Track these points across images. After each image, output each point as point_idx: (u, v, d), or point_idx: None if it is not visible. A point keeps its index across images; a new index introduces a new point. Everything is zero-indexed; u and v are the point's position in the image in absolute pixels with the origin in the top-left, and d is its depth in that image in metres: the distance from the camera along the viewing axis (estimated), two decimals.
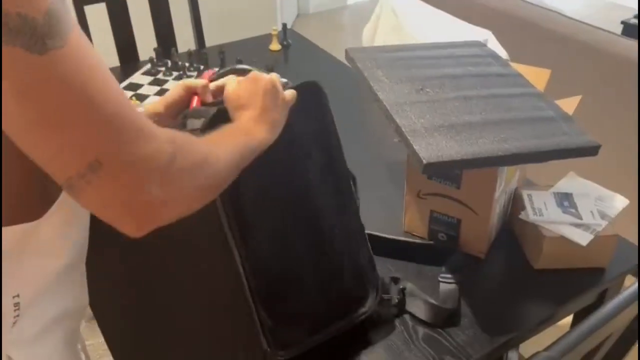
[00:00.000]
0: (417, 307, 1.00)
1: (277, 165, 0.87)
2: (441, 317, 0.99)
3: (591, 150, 0.97)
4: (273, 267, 0.86)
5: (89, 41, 0.57)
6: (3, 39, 0.49)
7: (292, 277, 0.88)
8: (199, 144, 0.69)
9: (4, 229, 0.71)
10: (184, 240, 0.83)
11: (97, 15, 1.88)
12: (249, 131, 0.81)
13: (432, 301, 0.99)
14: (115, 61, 1.91)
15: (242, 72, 1.00)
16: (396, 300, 1.00)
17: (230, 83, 0.89)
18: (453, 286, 1.04)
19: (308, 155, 0.93)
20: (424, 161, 0.90)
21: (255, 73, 0.89)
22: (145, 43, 1.94)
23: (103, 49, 1.94)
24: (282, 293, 0.87)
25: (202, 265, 0.87)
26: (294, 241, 0.89)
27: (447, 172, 1.06)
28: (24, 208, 0.71)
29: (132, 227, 0.59)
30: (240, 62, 1.70)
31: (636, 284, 0.82)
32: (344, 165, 0.99)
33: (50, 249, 0.78)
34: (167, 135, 0.61)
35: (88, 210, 0.61)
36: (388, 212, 1.24)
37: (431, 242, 1.17)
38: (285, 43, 1.97)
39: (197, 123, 0.86)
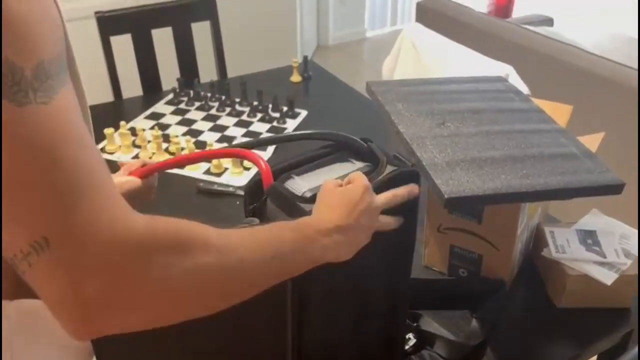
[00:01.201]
0: (437, 344, 0.98)
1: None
2: (461, 353, 0.97)
3: (616, 189, 0.96)
4: (316, 351, 0.83)
5: (77, 105, 0.52)
6: None
7: (330, 355, 0.86)
8: (206, 241, 0.57)
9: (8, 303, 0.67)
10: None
11: (123, 45, 1.92)
12: (315, 239, 0.68)
13: (452, 338, 0.97)
14: (138, 91, 1.94)
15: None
16: (412, 343, 0.99)
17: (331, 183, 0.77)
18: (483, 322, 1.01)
19: (378, 243, 0.81)
20: (446, 196, 0.89)
21: (361, 179, 0.76)
22: (169, 73, 1.97)
23: (127, 79, 1.99)
24: None
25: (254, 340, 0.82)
26: (341, 324, 0.85)
27: (468, 207, 1.05)
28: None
29: (68, 327, 0.49)
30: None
31: None
32: (411, 247, 0.91)
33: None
34: (145, 223, 0.52)
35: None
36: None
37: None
38: (306, 75, 1.99)
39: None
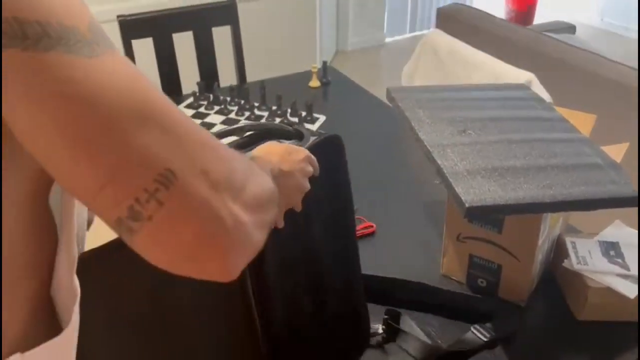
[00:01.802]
0: (409, 342, 1.00)
1: (294, 228, 0.86)
2: (431, 356, 0.97)
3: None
4: (283, 330, 0.87)
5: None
6: (46, 45, 0.43)
7: (299, 337, 0.89)
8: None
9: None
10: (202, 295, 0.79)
11: (144, 49, 1.94)
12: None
13: (424, 339, 0.98)
14: None
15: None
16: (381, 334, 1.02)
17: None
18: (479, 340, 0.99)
19: (320, 211, 0.92)
20: (466, 204, 0.88)
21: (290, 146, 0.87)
22: (189, 77, 1.99)
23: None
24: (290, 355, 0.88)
25: (219, 327, 0.86)
26: (301, 300, 0.90)
27: (489, 216, 1.04)
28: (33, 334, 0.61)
29: (219, 265, 0.47)
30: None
31: None
32: (351, 215, 1.00)
33: None
34: (238, 155, 0.56)
35: (153, 258, 0.47)
36: (426, 254, 1.22)
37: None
38: (324, 80, 1.99)
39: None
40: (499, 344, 1.02)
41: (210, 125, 1.72)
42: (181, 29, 1.96)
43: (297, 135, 1.04)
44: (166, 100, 0.48)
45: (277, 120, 1.74)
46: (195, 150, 0.47)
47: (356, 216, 1.31)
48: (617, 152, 1.12)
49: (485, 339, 1.00)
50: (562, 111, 1.23)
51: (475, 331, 1.00)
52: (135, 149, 0.44)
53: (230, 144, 1.04)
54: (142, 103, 0.46)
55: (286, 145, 0.84)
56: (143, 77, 0.49)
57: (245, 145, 1.04)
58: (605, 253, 1.10)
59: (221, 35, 2.05)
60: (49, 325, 0.64)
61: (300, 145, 0.90)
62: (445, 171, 0.96)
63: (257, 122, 1.11)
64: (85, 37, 0.45)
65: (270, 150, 0.81)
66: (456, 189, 0.92)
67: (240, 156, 0.59)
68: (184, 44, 1.98)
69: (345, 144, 1.72)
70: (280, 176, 0.75)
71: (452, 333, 1.02)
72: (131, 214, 0.43)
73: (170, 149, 0.45)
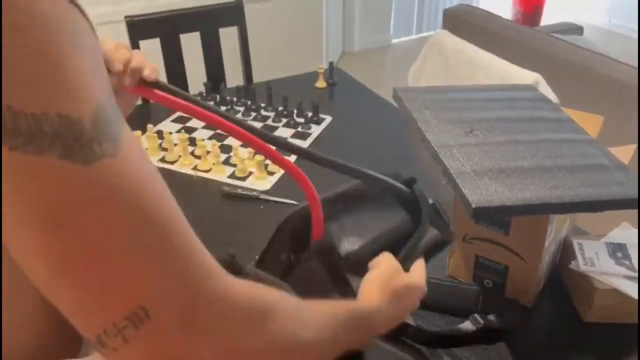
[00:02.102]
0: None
1: None
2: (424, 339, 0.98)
3: None
4: None
5: (140, 145, 0.50)
6: (37, 147, 0.39)
7: None
8: (296, 313, 0.54)
9: None
10: None
11: (151, 49, 1.94)
12: (372, 330, 0.73)
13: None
14: None
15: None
16: None
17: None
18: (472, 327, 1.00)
19: None
20: (473, 205, 0.88)
21: (421, 280, 0.84)
22: (196, 77, 1.99)
23: None
24: None
25: None
26: None
27: (495, 217, 1.04)
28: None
29: None
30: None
31: None
32: None
33: None
34: (241, 284, 0.48)
35: None
36: (432, 254, 1.21)
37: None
38: (331, 81, 1.99)
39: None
40: (502, 340, 1.03)
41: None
42: (188, 29, 1.97)
43: (413, 208, 0.98)
44: (170, 214, 0.45)
45: (284, 120, 1.74)
46: (186, 281, 0.43)
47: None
48: (624, 153, 1.12)
49: (479, 326, 1.01)
50: (569, 112, 1.23)
51: (472, 320, 1.01)
52: (114, 277, 0.41)
53: (326, 199, 0.93)
54: (137, 221, 0.42)
55: (407, 280, 0.81)
56: (149, 177, 0.45)
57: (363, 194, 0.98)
58: (613, 255, 1.09)
59: (228, 36, 2.05)
60: None
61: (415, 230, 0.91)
62: (452, 172, 0.96)
63: (369, 173, 0.98)
64: (86, 134, 0.41)
65: (386, 286, 0.78)
66: (463, 189, 0.91)
67: (264, 286, 0.52)
68: (191, 44, 1.99)
69: (351, 144, 1.74)
70: (392, 322, 0.77)
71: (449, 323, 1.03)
72: (99, 341, 0.42)
73: (153, 278, 0.42)
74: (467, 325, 1.02)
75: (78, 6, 0.45)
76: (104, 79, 0.46)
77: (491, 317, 1.05)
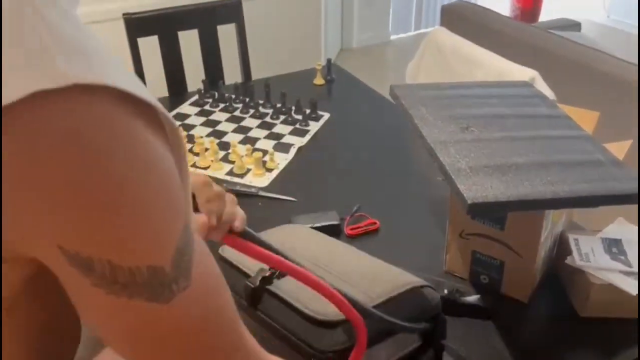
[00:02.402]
0: None
1: None
2: None
3: None
4: None
5: (208, 252, 0.53)
6: (130, 293, 0.45)
7: None
8: None
9: None
10: None
11: (150, 47, 1.95)
12: None
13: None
14: (164, 91, 1.96)
15: None
16: None
17: None
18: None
19: None
20: (469, 201, 0.89)
21: None
22: (194, 75, 1.99)
23: (153, 80, 2.02)
24: None
25: None
26: None
27: (491, 213, 1.05)
28: None
29: None
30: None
31: None
32: None
33: None
34: None
35: None
36: (429, 250, 1.22)
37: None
38: (329, 78, 1.99)
39: None
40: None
41: (215, 123, 1.73)
42: (186, 27, 1.97)
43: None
44: (229, 318, 0.54)
45: (282, 117, 1.74)
46: None
47: (360, 213, 1.32)
48: (619, 149, 1.12)
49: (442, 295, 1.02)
50: (566, 108, 1.23)
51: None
52: None
53: None
54: (202, 345, 0.51)
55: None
56: (214, 293, 0.52)
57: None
58: (608, 250, 1.10)
59: (226, 33, 2.05)
60: None
61: None
62: (448, 168, 0.96)
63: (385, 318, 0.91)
64: (167, 277, 0.46)
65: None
66: (458, 185, 0.92)
67: None
68: (189, 41, 1.99)
69: (349, 141, 1.74)
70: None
71: None
72: None
73: None
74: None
75: (178, 136, 0.50)
76: (183, 207, 0.49)
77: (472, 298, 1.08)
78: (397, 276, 0.94)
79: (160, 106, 0.48)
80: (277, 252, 0.78)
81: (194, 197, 0.75)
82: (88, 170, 0.41)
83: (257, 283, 0.91)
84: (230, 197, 0.82)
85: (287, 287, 0.89)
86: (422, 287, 0.93)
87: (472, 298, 1.10)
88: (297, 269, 0.77)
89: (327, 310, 0.84)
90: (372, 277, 0.93)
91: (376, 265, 0.98)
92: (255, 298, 0.93)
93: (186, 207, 0.50)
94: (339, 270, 0.91)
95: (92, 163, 0.41)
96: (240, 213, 0.81)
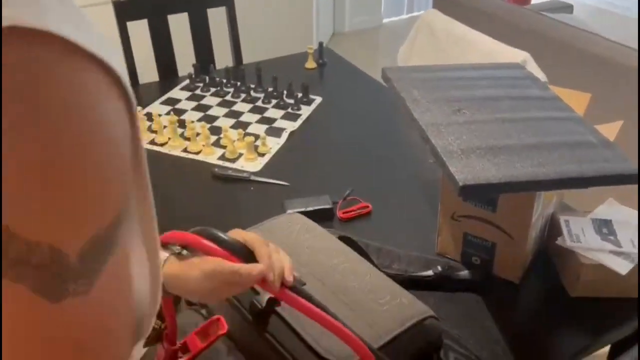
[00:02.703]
0: None
1: None
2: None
3: (633, 178, 0.95)
4: None
5: (126, 275, 0.46)
6: (16, 274, 0.37)
7: None
8: None
9: None
10: None
11: (139, 31, 1.93)
12: None
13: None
14: (155, 76, 1.95)
15: None
16: None
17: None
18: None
19: None
20: (460, 183, 0.89)
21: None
22: (185, 59, 1.98)
23: (144, 64, 2.00)
24: None
25: None
26: None
27: (483, 195, 1.05)
28: None
29: None
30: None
31: None
32: None
33: None
34: None
35: None
36: (421, 232, 1.23)
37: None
38: (321, 62, 1.99)
39: None
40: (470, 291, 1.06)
41: (206, 107, 1.72)
42: (176, 10, 1.95)
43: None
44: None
45: (273, 101, 1.74)
46: None
47: (352, 197, 1.32)
48: (610, 130, 1.13)
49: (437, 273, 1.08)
50: (557, 90, 1.23)
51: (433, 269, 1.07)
52: None
53: None
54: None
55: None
56: (109, 319, 0.46)
57: None
58: (598, 231, 1.11)
59: (216, 17, 2.03)
60: None
61: None
62: (439, 150, 0.97)
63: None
64: (68, 271, 0.40)
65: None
66: (450, 168, 0.92)
67: None
68: (179, 25, 1.97)
69: (341, 124, 1.73)
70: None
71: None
72: None
73: None
74: (427, 272, 1.09)
75: (124, 87, 0.42)
76: (118, 197, 0.43)
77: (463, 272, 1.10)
78: (401, 306, 0.92)
79: (123, 77, 0.41)
80: (319, 305, 0.79)
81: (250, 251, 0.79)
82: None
83: (264, 304, 0.89)
84: (282, 253, 0.83)
85: (295, 313, 0.86)
86: (425, 319, 0.91)
87: (464, 273, 1.13)
88: (337, 325, 0.78)
89: (332, 347, 0.83)
90: (372, 299, 0.91)
91: (375, 283, 0.95)
92: (261, 319, 0.92)
93: (128, 199, 0.44)
94: (335, 284, 0.91)
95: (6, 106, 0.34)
96: (287, 264, 0.82)
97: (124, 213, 0.43)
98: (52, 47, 0.37)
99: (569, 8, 3.03)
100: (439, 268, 1.12)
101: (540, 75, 1.36)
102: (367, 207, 1.28)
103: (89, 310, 0.42)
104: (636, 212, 1.16)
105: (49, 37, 0.37)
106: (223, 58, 2.05)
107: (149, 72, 1.94)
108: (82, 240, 0.39)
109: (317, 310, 0.78)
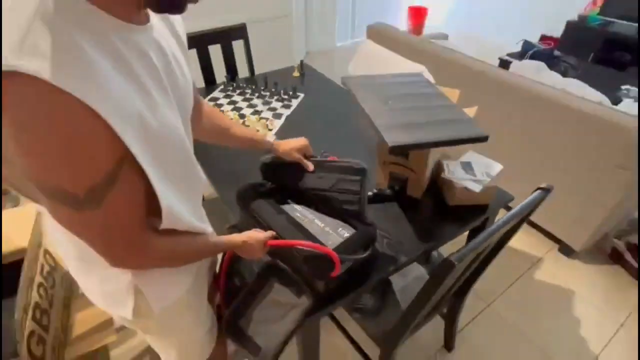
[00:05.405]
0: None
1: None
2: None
3: (483, 139, 0.95)
4: None
5: (133, 198, 0.48)
6: (50, 198, 0.42)
7: None
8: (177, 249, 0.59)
9: None
10: None
11: (191, 57, 1.85)
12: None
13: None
14: (201, 84, 1.89)
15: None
16: None
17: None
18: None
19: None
20: (390, 144, 0.89)
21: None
22: (219, 72, 1.92)
23: (195, 77, 1.93)
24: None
25: None
26: None
27: (401, 150, 1.02)
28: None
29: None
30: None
31: (505, 217, 0.81)
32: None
33: None
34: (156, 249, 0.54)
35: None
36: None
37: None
38: (302, 72, 1.95)
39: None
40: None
41: (235, 102, 1.68)
42: (213, 43, 1.88)
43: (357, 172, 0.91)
44: (120, 221, 0.49)
45: (275, 97, 1.71)
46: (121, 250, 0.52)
47: (325, 153, 1.30)
48: (470, 112, 1.14)
49: (374, 193, 1.03)
50: (442, 89, 1.23)
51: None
52: (91, 235, 0.49)
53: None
54: (102, 239, 0.48)
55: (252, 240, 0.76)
56: (116, 218, 0.48)
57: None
58: (464, 168, 1.13)
59: (238, 46, 1.97)
60: None
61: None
62: (377, 125, 0.95)
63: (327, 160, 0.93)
64: (80, 200, 0.43)
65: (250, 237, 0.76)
66: (384, 135, 0.91)
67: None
68: (215, 51, 1.91)
69: (316, 111, 1.70)
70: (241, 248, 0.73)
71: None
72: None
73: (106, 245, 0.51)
74: (369, 193, 1.04)
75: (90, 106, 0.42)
76: (103, 163, 0.44)
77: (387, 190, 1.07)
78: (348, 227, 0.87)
79: (80, 96, 0.40)
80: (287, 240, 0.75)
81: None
82: (21, 131, 0.38)
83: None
84: (265, 236, 0.78)
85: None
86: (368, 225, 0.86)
87: (389, 193, 1.12)
88: (310, 244, 0.74)
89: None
90: (334, 229, 0.87)
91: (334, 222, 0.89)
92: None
93: (115, 166, 0.45)
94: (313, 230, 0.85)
95: (19, 128, 0.38)
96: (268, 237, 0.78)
97: (114, 170, 0.44)
98: (38, 83, 0.37)
99: (445, 36, 2.99)
100: (375, 190, 1.12)
101: (432, 80, 1.37)
102: (334, 159, 1.27)
103: (101, 216, 0.44)
104: (484, 157, 1.17)
105: (62, 92, 0.38)
106: (242, 71, 2.00)
107: (198, 82, 1.88)
108: (84, 188, 0.42)
109: (300, 241, 0.76)
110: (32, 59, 0.36)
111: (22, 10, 0.36)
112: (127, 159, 0.46)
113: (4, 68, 0.35)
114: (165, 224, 0.55)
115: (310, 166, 0.88)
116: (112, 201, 0.46)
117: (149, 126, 0.47)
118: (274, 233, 0.79)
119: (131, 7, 0.44)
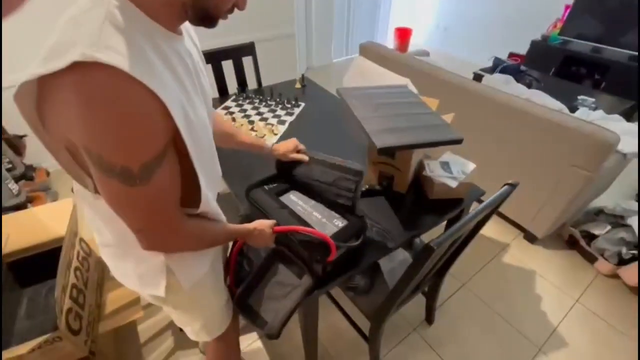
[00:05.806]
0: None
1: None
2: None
3: (458, 141, 0.95)
4: None
5: (172, 182, 0.48)
6: (107, 174, 0.42)
7: None
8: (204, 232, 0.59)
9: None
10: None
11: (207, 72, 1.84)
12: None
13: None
14: (215, 94, 1.88)
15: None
16: None
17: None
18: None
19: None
20: (378, 146, 0.89)
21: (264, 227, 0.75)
22: (231, 84, 1.91)
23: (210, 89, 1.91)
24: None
25: None
26: None
27: (388, 151, 1.02)
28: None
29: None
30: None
31: (478, 208, 0.82)
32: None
33: None
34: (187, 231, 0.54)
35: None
36: None
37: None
38: (304, 84, 1.95)
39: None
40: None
41: (245, 110, 1.68)
42: (226, 58, 1.87)
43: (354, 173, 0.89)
44: (167, 207, 0.49)
45: (280, 106, 1.71)
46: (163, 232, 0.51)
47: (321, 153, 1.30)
48: (448, 118, 1.15)
49: (366, 189, 1.02)
50: (423, 98, 1.23)
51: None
52: (128, 221, 0.49)
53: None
54: (150, 212, 0.48)
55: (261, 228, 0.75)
56: (165, 197, 0.47)
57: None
58: (442, 167, 1.13)
59: (247, 61, 1.96)
60: None
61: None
62: (367, 130, 0.95)
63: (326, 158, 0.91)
64: (133, 174, 0.43)
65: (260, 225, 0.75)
66: (373, 139, 0.92)
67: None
68: (228, 66, 1.90)
69: (314, 117, 1.70)
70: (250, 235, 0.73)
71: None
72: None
73: (148, 220, 0.50)
74: (362, 188, 1.03)
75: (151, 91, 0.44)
76: (157, 143, 0.45)
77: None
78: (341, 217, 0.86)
79: (168, 102, 0.44)
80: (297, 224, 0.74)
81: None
82: (92, 111, 0.39)
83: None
84: (272, 222, 0.77)
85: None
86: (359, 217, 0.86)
87: (379, 188, 1.12)
88: (309, 230, 0.74)
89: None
90: (328, 218, 0.87)
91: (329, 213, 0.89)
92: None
93: (163, 148, 0.46)
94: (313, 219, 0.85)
95: (91, 108, 0.39)
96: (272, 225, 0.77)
97: (164, 151, 0.45)
98: (112, 72, 0.39)
99: (427, 53, 2.98)
100: (367, 186, 1.12)
101: (415, 90, 1.37)
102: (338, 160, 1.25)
103: (149, 190, 0.45)
104: (460, 158, 1.17)
105: (133, 79, 0.40)
106: (251, 83, 2.00)
107: (212, 93, 1.87)
108: (138, 164, 0.43)
109: (299, 227, 0.76)
110: (110, 53, 0.39)
111: (91, 16, 0.39)
112: (171, 143, 0.48)
113: (83, 58, 0.38)
114: (201, 207, 0.56)
115: (305, 158, 0.90)
116: (159, 179, 0.46)
117: (189, 118, 0.50)
118: (276, 222, 0.80)
119: (175, 19, 0.46)
